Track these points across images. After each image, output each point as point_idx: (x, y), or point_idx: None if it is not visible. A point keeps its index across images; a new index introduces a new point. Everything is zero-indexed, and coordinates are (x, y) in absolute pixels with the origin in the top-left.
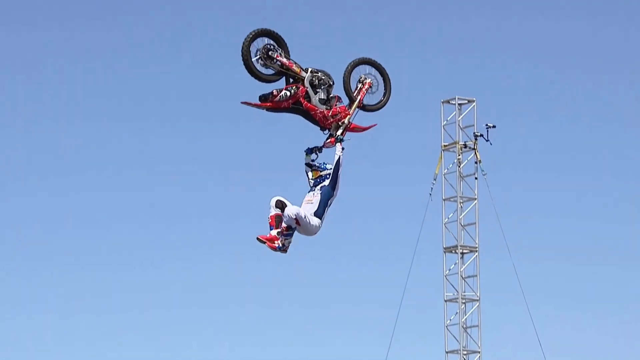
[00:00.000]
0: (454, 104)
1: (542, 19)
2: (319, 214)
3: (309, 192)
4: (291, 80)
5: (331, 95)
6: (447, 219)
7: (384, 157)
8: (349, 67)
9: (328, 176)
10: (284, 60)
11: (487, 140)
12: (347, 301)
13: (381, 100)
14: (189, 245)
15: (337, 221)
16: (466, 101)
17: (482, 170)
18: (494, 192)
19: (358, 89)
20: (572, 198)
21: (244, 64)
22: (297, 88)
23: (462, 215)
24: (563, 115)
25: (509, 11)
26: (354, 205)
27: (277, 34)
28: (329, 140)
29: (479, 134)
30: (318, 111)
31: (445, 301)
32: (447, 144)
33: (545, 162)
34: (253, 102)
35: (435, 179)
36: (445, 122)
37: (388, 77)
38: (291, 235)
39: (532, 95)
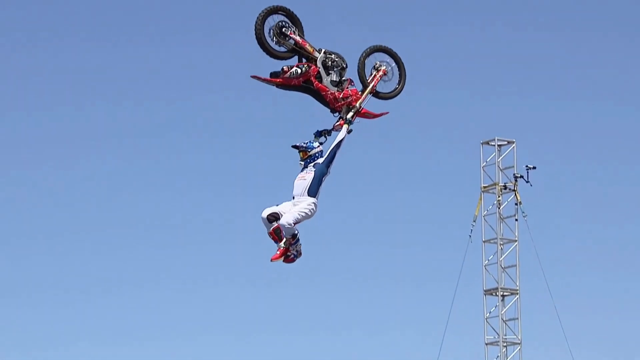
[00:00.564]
0: (494, 145)
1: (584, 58)
2: (313, 191)
3: (301, 171)
4: (304, 59)
5: (343, 78)
6: (487, 261)
7: (424, 198)
8: (364, 54)
9: (319, 154)
10: (297, 38)
11: (527, 182)
12: (387, 343)
13: (396, 88)
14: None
15: (377, 263)
16: (506, 142)
17: (523, 212)
18: (535, 233)
19: (372, 75)
20: (613, 240)
21: (257, 39)
22: (309, 67)
23: (503, 257)
24: (604, 156)
25: (548, 52)
26: (394, 247)
27: (291, 11)
28: (338, 122)
29: (519, 175)
30: (329, 92)
31: (486, 344)
32: (486, 185)
33: (586, 203)
34: (263, 77)
35: (475, 221)
36: (485, 163)
37: (403, 66)
38: (299, 239)
39: (573, 136)
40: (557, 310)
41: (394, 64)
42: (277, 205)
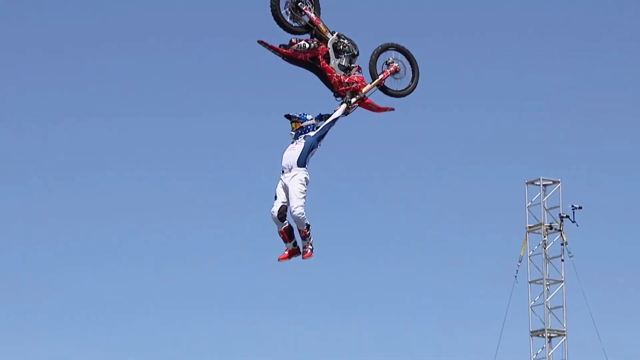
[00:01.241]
0: (539, 185)
1: (631, 95)
2: (301, 162)
3: (291, 142)
4: (315, 38)
5: (352, 65)
6: (533, 302)
7: (469, 238)
8: (377, 50)
9: (311, 127)
10: (312, 15)
11: (573, 222)
12: None
13: (408, 86)
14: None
15: (422, 304)
16: (551, 182)
17: (569, 252)
18: (581, 274)
19: (383, 70)
20: None
21: (272, 11)
22: (318, 45)
23: (549, 298)
24: None
25: (595, 91)
26: (439, 287)
27: None
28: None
29: (564, 215)
30: (334, 74)
31: None
32: (532, 225)
33: (633, 243)
34: (270, 44)
35: (520, 261)
36: (530, 203)
37: (416, 65)
38: (310, 229)
39: (619, 175)
40: (605, 352)
41: (407, 63)
42: (275, 198)
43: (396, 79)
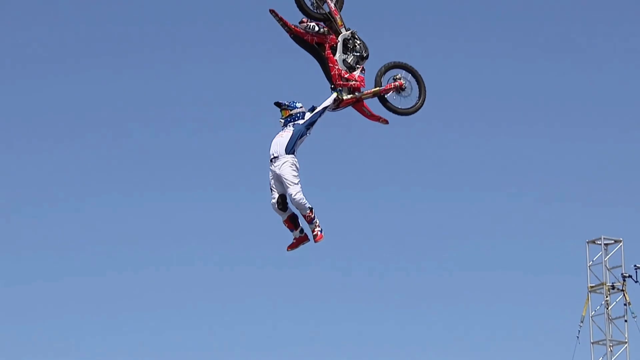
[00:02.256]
0: (600, 244)
1: None
2: (289, 148)
3: (281, 130)
4: (329, 27)
5: (358, 66)
6: None
7: (529, 298)
8: (388, 65)
9: (300, 115)
10: (332, 5)
11: (636, 282)
12: None
13: (415, 104)
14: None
15: None
16: (612, 241)
17: (632, 313)
18: None
19: (388, 82)
20: None
21: None
22: (329, 33)
23: (612, 359)
24: None
25: None
26: (501, 349)
27: None
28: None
29: (627, 274)
30: (336, 66)
31: None
32: (593, 285)
33: None
34: (280, 16)
35: (582, 322)
36: (592, 262)
37: (423, 83)
38: (314, 211)
39: None
40: None
41: (414, 84)
42: (271, 190)
43: (402, 96)
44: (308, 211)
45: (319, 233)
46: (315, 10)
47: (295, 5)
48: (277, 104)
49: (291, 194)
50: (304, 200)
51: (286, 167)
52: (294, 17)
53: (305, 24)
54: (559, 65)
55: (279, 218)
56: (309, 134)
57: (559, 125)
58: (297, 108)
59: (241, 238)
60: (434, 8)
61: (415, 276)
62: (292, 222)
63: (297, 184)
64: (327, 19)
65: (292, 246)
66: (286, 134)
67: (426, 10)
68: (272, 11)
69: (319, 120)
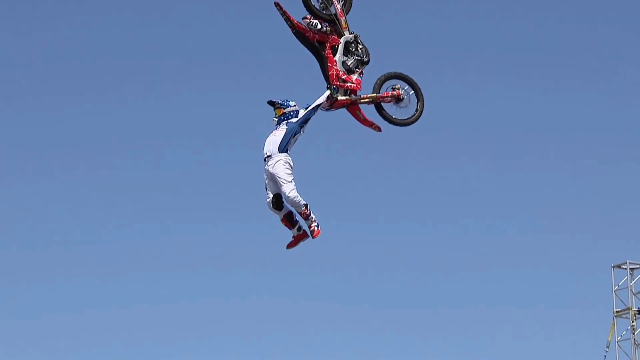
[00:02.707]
0: (625, 269)
1: None
2: (282, 147)
3: (274, 129)
4: (332, 27)
5: (357, 69)
6: None
7: (554, 324)
8: (388, 74)
9: (294, 113)
10: (338, 7)
11: None
12: None
13: (412, 116)
14: None
15: None
16: (638, 265)
17: None
18: None
19: (386, 90)
20: None
21: None
22: (331, 33)
23: None
24: None
25: None
26: None
27: None
28: (327, 101)
29: None
30: (335, 66)
31: None
32: (619, 310)
33: None
34: (284, 10)
35: (608, 347)
36: (617, 287)
37: (422, 96)
38: (309, 208)
39: None
40: None
41: (413, 97)
42: (266, 189)
43: (399, 107)
44: (303, 208)
45: (315, 229)
46: (322, 11)
47: (302, 3)
48: (271, 103)
49: (285, 192)
50: (299, 197)
51: (279, 165)
52: (299, 14)
53: (308, 20)
54: (578, 93)
55: (276, 217)
56: (303, 132)
57: (582, 148)
58: (291, 106)
59: None
60: (439, 17)
61: (434, 309)
62: (288, 220)
63: (291, 182)
64: (333, 21)
65: (292, 244)
66: (279, 133)
67: (431, 18)
68: (276, 4)
69: (312, 118)
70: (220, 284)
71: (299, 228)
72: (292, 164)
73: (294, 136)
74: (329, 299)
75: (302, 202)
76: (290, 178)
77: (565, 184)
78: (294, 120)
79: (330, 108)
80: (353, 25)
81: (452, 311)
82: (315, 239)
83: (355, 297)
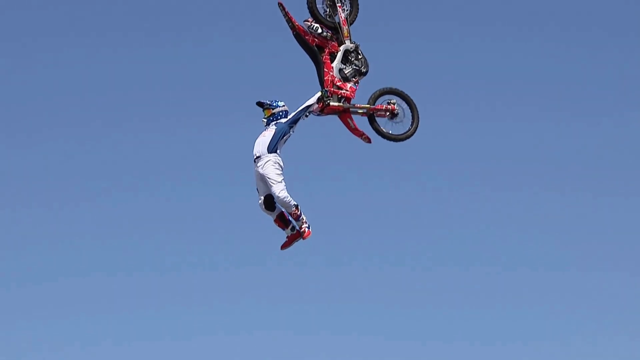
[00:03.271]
0: None
1: None
2: (271, 147)
3: (264, 130)
4: (333, 33)
5: (353, 79)
6: None
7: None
8: (384, 89)
9: (283, 114)
10: (342, 15)
11: None
12: None
13: (405, 132)
14: None
15: None
16: None
17: None
18: None
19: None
20: None
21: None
22: (332, 39)
23: None
24: None
25: None
26: None
27: None
28: (318, 105)
29: None
30: (331, 73)
31: None
32: None
33: None
34: (287, 11)
35: None
36: None
37: (417, 113)
38: (299, 209)
39: None
40: None
41: (408, 113)
42: (257, 191)
43: (393, 122)
44: (294, 209)
45: (306, 230)
46: (326, 18)
47: (307, 9)
48: (259, 104)
49: (275, 193)
50: (289, 198)
51: (269, 166)
52: (302, 18)
53: (309, 23)
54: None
55: (269, 218)
56: (293, 132)
57: None
58: (280, 107)
59: None
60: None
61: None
62: (281, 220)
63: (281, 182)
64: (335, 29)
65: (285, 245)
66: (269, 133)
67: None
68: (280, 4)
69: (302, 118)
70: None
71: (293, 228)
72: (282, 164)
73: (283, 137)
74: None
75: (293, 202)
76: (280, 178)
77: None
78: (283, 120)
79: (322, 113)
80: (359, 36)
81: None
82: (305, 240)
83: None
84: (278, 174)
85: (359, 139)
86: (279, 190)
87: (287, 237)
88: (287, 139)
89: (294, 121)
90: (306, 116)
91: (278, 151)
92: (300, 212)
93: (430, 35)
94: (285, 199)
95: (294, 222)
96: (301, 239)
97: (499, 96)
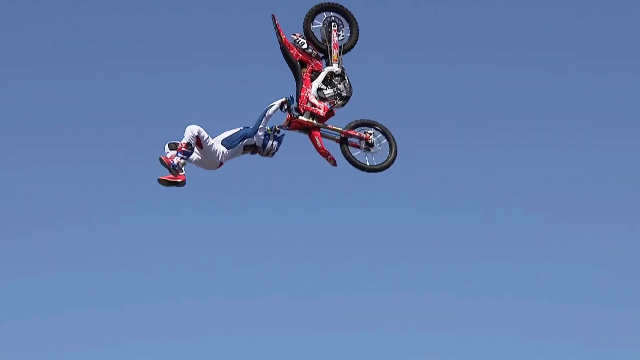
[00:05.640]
0: None
1: None
2: (227, 142)
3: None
4: (320, 52)
5: (332, 102)
6: None
7: None
8: (353, 123)
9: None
10: (335, 39)
11: None
12: None
13: (380, 164)
14: None
15: None
16: None
17: None
18: None
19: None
20: None
21: (304, 22)
22: (317, 58)
23: None
24: None
25: None
26: None
27: (356, 23)
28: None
29: None
30: (308, 89)
31: None
32: None
33: None
34: (278, 23)
35: None
36: None
37: (394, 143)
38: (188, 155)
39: None
40: None
41: (385, 145)
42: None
43: (368, 154)
44: (184, 143)
45: (173, 160)
46: (319, 40)
47: (302, 30)
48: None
49: (193, 129)
50: (191, 139)
51: (218, 144)
52: (293, 31)
53: (296, 37)
54: None
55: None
56: (255, 139)
57: None
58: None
59: None
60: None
61: None
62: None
63: (200, 141)
64: (325, 51)
65: (168, 177)
66: (231, 132)
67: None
68: (273, 16)
69: (274, 134)
70: None
71: (178, 151)
72: (222, 163)
73: (243, 140)
74: None
75: (193, 141)
76: (204, 143)
77: None
78: (251, 127)
79: (289, 127)
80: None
81: None
82: (159, 179)
83: None
84: (208, 142)
85: (323, 160)
86: (195, 129)
87: (168, 160)
88: (246, 145)
89: (257, 127)
90: (277, 131)
91: (229, 150)
92: (187, 155)
93: (426, 66)
94: (191, 132)
95: (176, 157)
96: (169, 157)
97: (489, 129)
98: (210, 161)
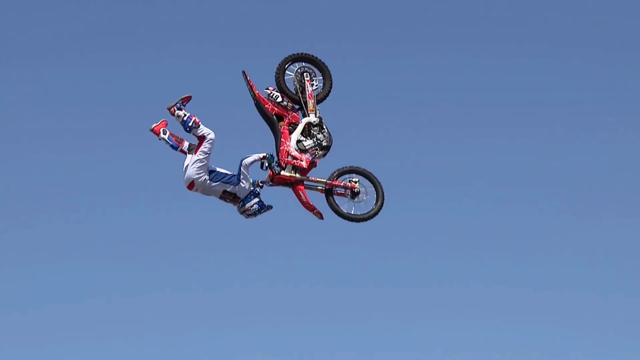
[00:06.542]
0: None
1: None
2: (212, 174)
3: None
4: (294, 104)
5: (313, 150)
6: None
7: None
8: (337, 172)
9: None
10: (309, 89)
11: None
12: None
13: (366, 213)
14: None
15: None
16: None
17: None
18: None
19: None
20: None
21: (276, 74)
22: (293, 110)
23: None
24: None
25: None
26: None
27: (328, 71)
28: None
29: None
30: (287, 143)
31: None
32: None
33: None
34: (249, 79)
35: None
36: None
37: (381, 190)
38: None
39: None
40: None
41: (372, 193)
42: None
43: (354, 202)
44: (188, 121)
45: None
46: (293, 92)
47: (275, 82)
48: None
49: (206, 130)
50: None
51: (205, 150)
52: (266, 85)
53: (269, 91)
54: None
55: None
56: (238, 188)
57: None
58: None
59: None
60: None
61: None
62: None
63: (203, 138)
64: (300, 102)
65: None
66: (224, 170)
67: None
68: (243, 72)
69: (255, 188)
70: None
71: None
72: (193, 175)
73: (225, 185)
74: None
75: (194, 125)
76: (205, 140)
77: None
78: (235, 174)
79: (272, 183)
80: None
81: None
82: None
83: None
84: (210, 141)
85: (310, 214)
86: (207, 130)
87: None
88: (226, 191)
89: (240, 177)
90: (260, 186)
91: (209, 181)
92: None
93: (405, 117)
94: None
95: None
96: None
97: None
98: (190, 172)
